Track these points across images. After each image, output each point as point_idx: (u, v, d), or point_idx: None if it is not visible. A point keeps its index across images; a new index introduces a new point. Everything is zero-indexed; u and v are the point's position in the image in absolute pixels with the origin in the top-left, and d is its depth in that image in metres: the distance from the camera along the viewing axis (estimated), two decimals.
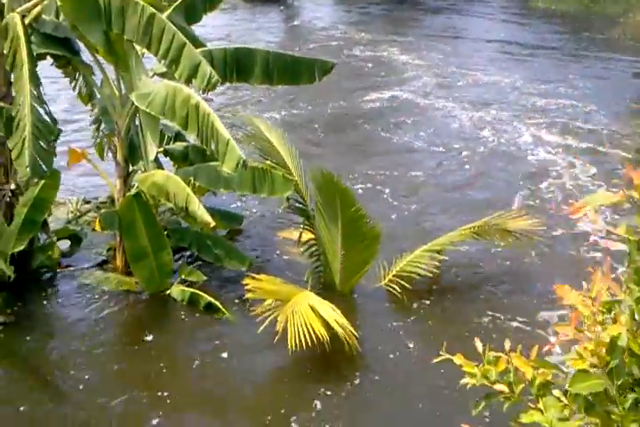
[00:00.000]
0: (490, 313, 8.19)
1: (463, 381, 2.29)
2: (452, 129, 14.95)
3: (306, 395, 6.86)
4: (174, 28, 6.87)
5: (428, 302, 8.47)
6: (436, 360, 2.50)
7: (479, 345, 2.35)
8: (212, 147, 6.89)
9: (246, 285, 7.30)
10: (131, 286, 8.50)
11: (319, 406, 6.68)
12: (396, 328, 8.01)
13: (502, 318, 8.14)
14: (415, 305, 8.36)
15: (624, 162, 13.20)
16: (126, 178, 8.41)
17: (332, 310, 6.87)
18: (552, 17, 27.64)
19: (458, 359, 2.32)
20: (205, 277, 8.51)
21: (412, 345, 7.67)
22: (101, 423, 6.44)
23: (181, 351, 7.66)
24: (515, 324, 8.02)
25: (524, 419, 2.11)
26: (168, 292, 8.29)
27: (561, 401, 2.09)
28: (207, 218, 7.31)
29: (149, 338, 7.67)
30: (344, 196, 7.35)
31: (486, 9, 28.82)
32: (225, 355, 7.41)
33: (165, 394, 6.77)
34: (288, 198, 7.96)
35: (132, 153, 8.21)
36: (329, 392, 6.85)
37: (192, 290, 8.24)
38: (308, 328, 6.59)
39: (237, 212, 10.11)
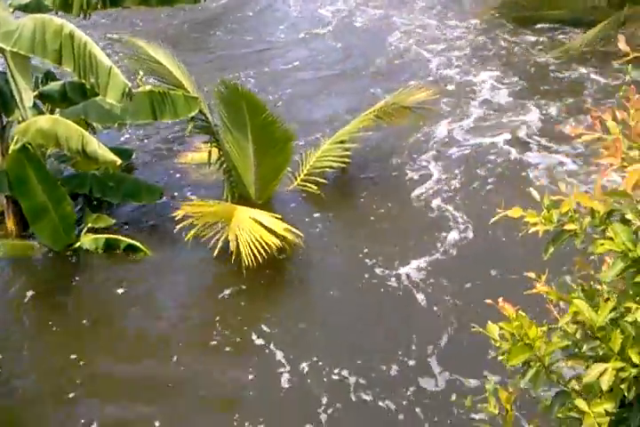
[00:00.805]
0: (398, 193, 8.69)
1: (531, 229, 2.45)
2: (302, 18, 14.82)
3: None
4: None
5: (344, 193, 8.80)
6: (493, 219, 2.67)
7: (535, 193, 2.50)
8: (92, 79, 6.33)
9: (177, 215, 7.16)
10: (27, 250, 7.97)
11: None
12: (319, 223, 8.25)
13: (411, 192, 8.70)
14: (333, 198, 8.61)
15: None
16: (1, 132, 7.67)
17: (273, 218, 6.98)
18: None
19: (516, 212, 2.48)
20: (114, 221, 8.23)
21: (336, 235, 8.11)
22: None
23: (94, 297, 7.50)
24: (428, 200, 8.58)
25: (597, 249, 2.32)
26: (78, 244, 7.91)
27: (629, 226, 2.31)
28: (111, 156, 6.89)
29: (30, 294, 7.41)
30: (251, 103, 7.11)
31: None
32: (125, 288, 7.45)
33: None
34: (193, 118, 7.62)
35: (4, 103, 7.42)
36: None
37: (107, 235, 7.91)
38: (259, 241, 6.71)
39: (126, 146, 9.54)
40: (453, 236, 7.80)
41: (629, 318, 2.30)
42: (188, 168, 9.29)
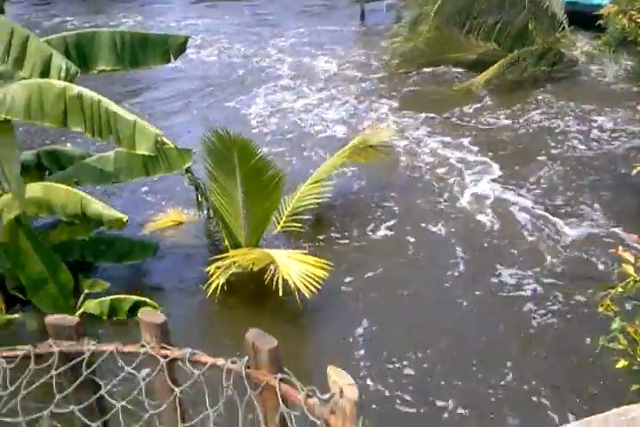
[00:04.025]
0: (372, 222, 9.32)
1: None
2: None
3: None
4: (8, 19, 6.27)
5: (329, 227, 9.23)
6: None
7: None
8: (112, 136, 6.44)
9: (233, 262, 7.42)
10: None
11: None
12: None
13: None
14: (319, 235, 9.05)
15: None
16: None
17: (304, 255, 7.39)
18: None
19: None
20: (108, 283, 8.16)
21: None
22: None
23: None
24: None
25: None
26: (80, 311, 7.79)
27: None
28: (117, 214, 6.96)
29: None
30: (243, 149, 7.34)
31: None
32: None
33: None
34: (187, 170, 7.80)
35: None
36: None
37: (110, 297, 7.81)
38: (308, 276, 6.99)
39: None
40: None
41: None
42: (158, 233, 9.24)
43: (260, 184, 7.89)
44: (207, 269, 7.41)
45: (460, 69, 14.91)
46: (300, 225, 8.82)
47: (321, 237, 8.96)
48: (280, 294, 6.86)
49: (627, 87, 13.54)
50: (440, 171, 10.63)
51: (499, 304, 7.54)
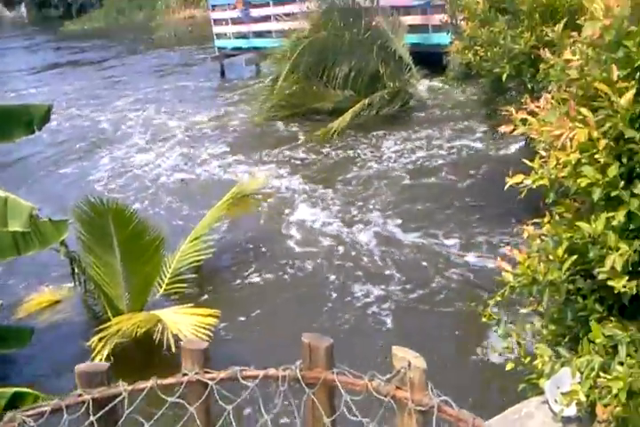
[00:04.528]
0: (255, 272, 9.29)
1: (535, 185, 3.29)
2: None
3: None
4: None
5: (210, 280, 9.12)
6: (507, 185, 3.41)
7: (531, 163, 3.33)
8: None
9: (117, 330, 6.85)
10: None
11: None
12: None
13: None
14: (202, 289, 8.86)
15: None
16: None
17: (191, 308, 7.17)
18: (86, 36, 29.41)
19: (518, 178, 3.33)
20: None
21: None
22: None
23: None
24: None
25: (580, 184, 3.10)
26: None
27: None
28: None
29: None
30: (119, 215, 7.01)
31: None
32: None
33: None
34: (62, 243, 7.24)
35: None
36: None
37: None
38: (199, 326, 6.71)
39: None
40: None
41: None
42: (33, 316, 8.62)
43: (140, 249, 7.53)
44: (89, 343, 6.86)
45: (318, 117, 15.46)
46: (184, 285, 8.51)
47: (204, 292, 8.78)
48: (173, 349, 6.41)
49: (470, 113, 14.57)
50: (278, 204, 11.41)
51: (367, 321, 7.87)
